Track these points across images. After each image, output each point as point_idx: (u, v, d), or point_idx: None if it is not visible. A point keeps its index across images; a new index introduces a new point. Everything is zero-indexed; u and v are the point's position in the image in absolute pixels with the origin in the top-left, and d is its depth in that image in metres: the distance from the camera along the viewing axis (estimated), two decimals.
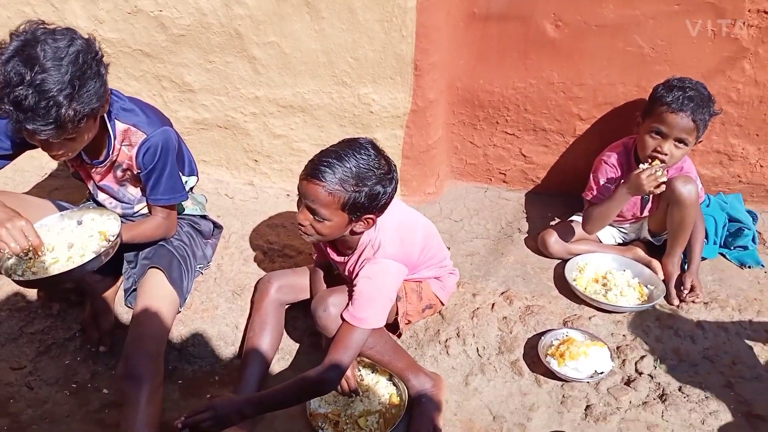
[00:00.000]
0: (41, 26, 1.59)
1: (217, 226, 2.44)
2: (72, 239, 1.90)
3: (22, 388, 2.27)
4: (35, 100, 1.51)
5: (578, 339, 2.03)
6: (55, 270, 1.79)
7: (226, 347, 2.27)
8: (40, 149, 1.79)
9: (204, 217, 2.37)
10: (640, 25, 2.20)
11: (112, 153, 1.93)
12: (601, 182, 2.31)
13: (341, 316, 1.77)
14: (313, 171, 1.62)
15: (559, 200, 2.67)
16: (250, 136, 2.60)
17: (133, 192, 2.12)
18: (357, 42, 2.25)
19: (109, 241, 1.88)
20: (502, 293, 2.29)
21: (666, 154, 2.10)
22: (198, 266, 2.33)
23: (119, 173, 2.02)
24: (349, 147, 1.65)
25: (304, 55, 2.30)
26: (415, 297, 2.01)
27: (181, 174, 2.12)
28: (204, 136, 2.64)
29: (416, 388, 1.94)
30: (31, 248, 1.75)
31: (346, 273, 1.93)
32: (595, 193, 2.32)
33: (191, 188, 2.28)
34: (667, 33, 2.19)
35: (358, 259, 1.84)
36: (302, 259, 2.46)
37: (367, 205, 1.65)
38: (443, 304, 2.12)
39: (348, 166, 1.60)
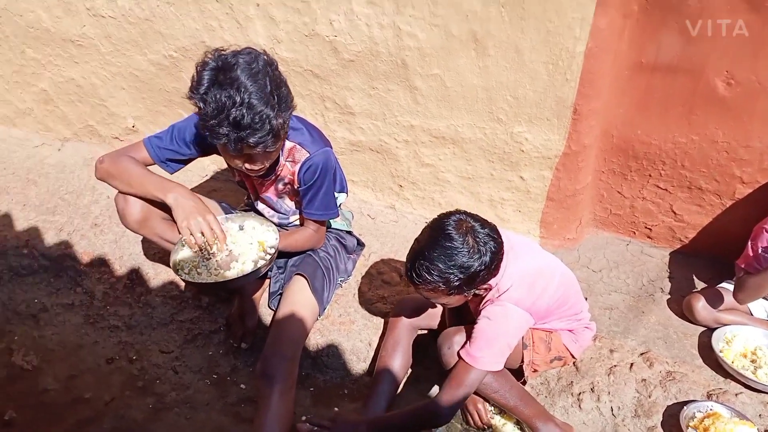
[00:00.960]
0: (223, 51, 1.72)
1: (360, 243, 2.54)
2: (233, 245, 2.05)
3: (168, 371, 2.46)
4: (251, 117, 1.65)
5: (724, 415, 1.92)
6: (219, 275, 1.95)
7: (358, 362, 2.35)
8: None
9: (349, 232, 2.48)
10: None
11: (278, 168, 2.07)
12: (760, 251, 2.18)
13: (458, 353, 1.82)
14: (409, 278, 1.74)
15: (708, 264, 2.54)
16: (399, 162, 2.69)
17: (289, 204, 2.25)
18: (519, 81, 2.27)
19: (267, 252, 2.02)
20: (641, 354, 2.20)
21: None
22: (339, 279, 2.43)
23: (280, 186, 2.16)
24: (431, 239, 1.70)
25: (464, 90, 2.36)
26: (543, 347, 1.99)
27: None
28: (356, 157, 2.76)
29: None
30: (215, 242, 1.90)
31: (473, 309, 1.96)
32: (751, 261, 2.19)
33: (340, 204, 2.39)
34: None
35: (482, 299, 1.86)
36: None
37: (469, 281, 1.70)
38: (575, 358, 2.08)
39: (435, 263, 1.67)
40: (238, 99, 1.63)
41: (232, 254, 2.01)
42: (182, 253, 2.02)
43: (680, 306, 2.37)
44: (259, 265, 1.95)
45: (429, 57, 2.33)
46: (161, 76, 2.83)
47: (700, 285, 2.45)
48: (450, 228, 1.68)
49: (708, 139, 2.31)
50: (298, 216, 2.30)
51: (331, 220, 2.39)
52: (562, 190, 2.50)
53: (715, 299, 2.29)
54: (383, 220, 2.82)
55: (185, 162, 2.12)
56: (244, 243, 2.06)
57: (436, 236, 1.69)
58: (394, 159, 2.69)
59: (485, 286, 1.77)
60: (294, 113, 2.05)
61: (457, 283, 1.67)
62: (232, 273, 1.97)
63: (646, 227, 2.62)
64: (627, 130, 2.41)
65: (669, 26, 2.14)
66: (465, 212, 1.74)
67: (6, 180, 3.15)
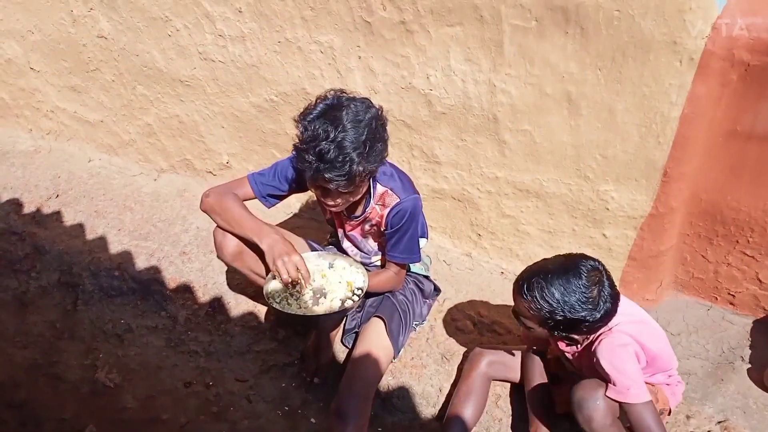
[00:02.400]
0: (343, 94, 1.88)
1: (437, 289, 2.59)
2: (322, 281, 2.15)
3: (242, 400, 2.54)
4: (335, 155, 1.77)
5: None
6: (307, 308, 2.07)
7: (428, 407, 2.36)
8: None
9: (427, 277, 2.53)
10: None
11: (368, 210, 2.17)
12: None
13: (606, 396, 1.76)
14: (518, 287, 1.77)
15: None
16: (479, 212, 2.76)
17: (373, 245, 2.34)
18: (609, 141, 2.33)
19: (354, 293, 2.12)
20: (719, 422, 2.15)
21: None
22: (414, 323, 2.47)
23: (367, 227, 2.25)
24: (562, 267, 1.73)
25: (552, 146, 2.43)
26: (653, 398, 1.97)
27: None
28: (437, 204, 2.85)
29: None
30: (298, 281, 2.01)
31: (573, 361, 1.95)
32: None
33: (421, 248, 2.46)
34: None
35: (584, 349, 1.87)
36: (510, 339, 2.51)
37: (569, 326, 1.72)
38: (670, 413, 2.05)
39: (551, 288, 1.69)
40: (332, 135, 1.77)
41: (321, 290, 2.10)
42: (273, 284, 2.14)
43: (761, 376, 2.31)
44: (346, 305, 2.05)
45: (520, 113, 2.41)
46: (260, 117, 3.01)
47: None
48: (583, 269, 1.72)
49: None
50: (380, 257, 2.38)
51: (411, 264, 2.46)
52: (645, 250, 2.50)
53: None
54: (459, 267, 2.87)
55: (283, 198, 2.25)
56: (334, 281, 2.17)
57: (568, 267, 1.72)
58: (475, 208, 2.76)
59: (578, 338, 1.79)
60: (389, 160, 2.17)
61: (558, 318, 1.70)
62: (320, 309, 2.08)
63: (729, 293, 2.58)
64: (716, 195, 2.41)
65: (767, 97, 2.17)
66: (604, 266, 1.77)
67: (104, 205, 3.37)
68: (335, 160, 1.78)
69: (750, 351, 2.48)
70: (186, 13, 2.82)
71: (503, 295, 2.71)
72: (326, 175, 1.80)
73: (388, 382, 2.41)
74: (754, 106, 2.19)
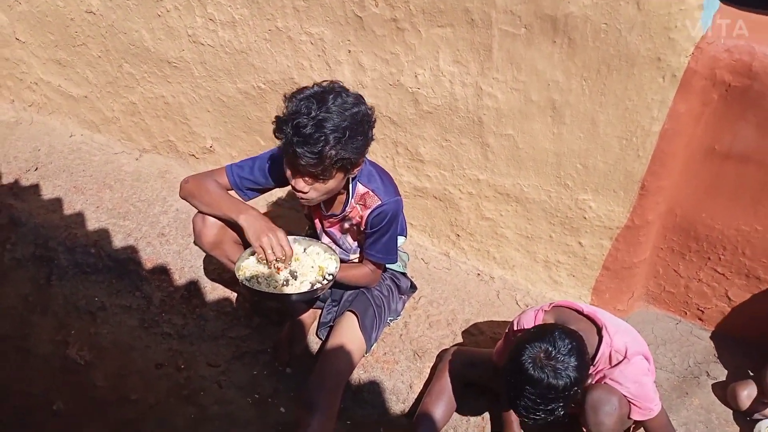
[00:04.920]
0: (340, 85, 1.88)
1: (413, 286, 2.61)
2: (295, 265, 2.15)
3: (213, 385, 2.54)
4: (312, 131, 1.76)
5: None
6: (276, 288, 2.07)
7: (397, 403, 2.39)
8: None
9: (404, 274, 2.55)
10: None
11: (348, 209, 2.17)
12: None
13: (620, 408, 1.81)
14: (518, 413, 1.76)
15: (758, 353, 2.53)
16: (460, 212, 2.77)
17: (351, 243, 2.35)
18: (590, 151, 2.35)
19: (325, 278, 2.11)
20: None
21: None
22: (389, 318, 2.49)
23: (346, 225, 2.26)
24: (520, 383, 1.70)
25: (535, 152, 2.45)
26: None
27: None
28: (418, 203, 2.86)
29: None
30: (283, 258, 2.01)
31: None
32: None
33: (400, 246, 2.48)
34: None
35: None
36: (483, 340, 2.55)
37: (573, 397, 1.72)
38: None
39: (537, 403, 1.68)
40: (313, 113, 1.77)
41: (293, 273, 2.11)
42: (246, 262, 2.14)
43: (725, 392, 2.37)
44: (315, 287, 2.04)
45: (505, 118, 2.43)
46: (246, 104, 3.00)
47: (747, 373, 2.44)
48: (529, 369, 1.67)
49: None
50: (358, 254, 2.39)
51: None
52: (619, 261, 2.54)
53: (761, 390, 2.28)
54: (436, 266, 2.89)
55: (262, 191, 2.25)
56: (306, 265, 2.17)
57: (523, 380, 1.68)
58: (455, 209, 2.78)
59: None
60: (371, 160, 2.17)
61: (563, 410, 1.70)
62: (288, 290, 2.07)
63: (698, 309, 2.63)
64: (692, 211, 2.45)
65: (747, 119, 2.20)
66: (545, 339, 1.71)
67: (84, 181, 3.35)
68: (310, 136, 1.76)
69: (716, 367, 2.54)
70: None
71: (478, 297, 2.74)
72: (298, 150, 1.77)
73: (359, 376, 2.43)
74: (733, 127, 2.23)
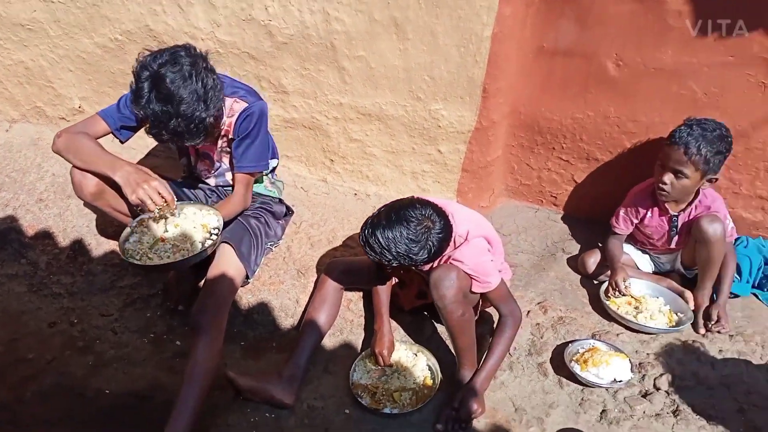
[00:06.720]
0: (153, 57, 1.93)
1: (289, 211, 2.73)
2: (176, 231, 2.18)
3: (107, 332, 2.59)
4: (185, 126, 1.91)
5: (602, 349, 2.20)
6: (169, 257, 2.09)
7: (286, 318, 2.53)
8: None
9: (281, 201, 2.67)
10: (695, 71, 2.38)
11: (224, 127, 2.25)
12: (621, 214, 2.55)
13: (458, 278, 1.99)
14: (362, 244, 1.92)
15: (606, 227, 2.84)
16: (329, 138, 2.92)
17: (226, 162, 2.42)
18: (434, 63, 2.53)
19: (212, 233, 2.17)
20: (538, 303, 2.48)
21: (665, 183, 2.30)
22: (269, 243, 2.58)
23: (219, 142, 2.34)
24: (390, 220, 1.89)
25: (387, 70, 2.60)
26: None
27: None
28: (290, 134, 2.98)
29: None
30: (165, 206, 2.07)
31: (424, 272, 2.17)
32: (618, 223, 2.57)
33: (273, 168, 2.58)
34: (720, 81, 2.37)
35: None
36: (360, 250, 2.71)
37: (409, 266, 1.96)
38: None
39: (383, 242, 1.87)
40: (172, 111, 1.88)
41: (180, 239, 2.15)
42: (131, 241, 2.15)
43: (576, 263, 2.68)
44: (206, 245, 2.11)
45: (355, 40, 2.56)
46: (107, 58, 2.99)
47: (597, 245, 2.74)
48: (413, 219, 1.88)
49: (601, 115, 2.61)
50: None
51: (262, 189, 2.57)
52: (476, 162, 2.76)
53: (603, 256, 2.60)
54: (315, 193, 3.04)
55: (136, 129, 2.27)
56: (189, 227, 2.19)
57: (398, 219, 1.88)
58: (325, 135, 2.91)
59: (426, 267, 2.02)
60: (231, 77, 2.24)
61: (396, 264, 1.91)
62: (182, 255, 2.10)
63: (551, 195, 2.91)
64: (532, 107, 2.70)
65: (566, 15, 2.44)
66: (431, 207, 1.94)
67: None
68: (188, 131, 1.91)
69: (570, 244, 2.83)
70: None
71: (356, 214, 2.91)
72: (188, 143, 1.96)
73: (248, 300, 2.56)
74: (556, 23, 2.46)
